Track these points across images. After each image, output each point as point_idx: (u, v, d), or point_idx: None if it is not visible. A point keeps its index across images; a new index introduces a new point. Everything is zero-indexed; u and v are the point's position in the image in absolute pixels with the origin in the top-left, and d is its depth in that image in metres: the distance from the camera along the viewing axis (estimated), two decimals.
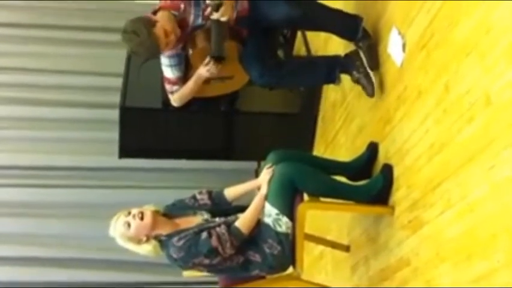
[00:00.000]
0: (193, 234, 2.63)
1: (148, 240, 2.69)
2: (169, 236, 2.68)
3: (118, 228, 2.68)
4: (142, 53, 2.87)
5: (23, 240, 5.09)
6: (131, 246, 2.71)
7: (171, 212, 2.85)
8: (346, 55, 3.10)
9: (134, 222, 2.66)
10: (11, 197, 5.15)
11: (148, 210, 2.70)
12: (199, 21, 3.02)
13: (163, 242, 2.69)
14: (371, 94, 2.97)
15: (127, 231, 2.66)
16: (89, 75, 5.38)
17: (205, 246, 2.59)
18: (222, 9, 2.82)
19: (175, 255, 2.64)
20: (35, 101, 5.31)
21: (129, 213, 2.69)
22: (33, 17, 5.46)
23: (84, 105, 5.31)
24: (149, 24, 2.83)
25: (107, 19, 5.42)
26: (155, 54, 2.94)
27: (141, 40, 2.81)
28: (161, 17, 2.89)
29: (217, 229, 2.63)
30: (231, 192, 2.92)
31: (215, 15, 2.85)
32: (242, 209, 2.76)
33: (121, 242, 2.71)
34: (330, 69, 3.14)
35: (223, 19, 2.86)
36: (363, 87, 3.00)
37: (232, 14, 2.94)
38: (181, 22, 2.97)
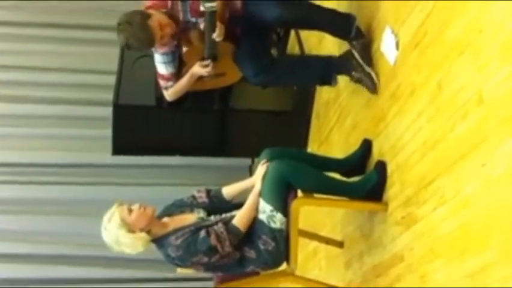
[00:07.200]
0: (191, 233, 2.64)
1: (141, 232, 2.67)
2: (166, 236, 2.68)
3: (119, 212, 2.65)
4: (134, 43, 2.86)
5: (15, 237, 5.07)
6: (122, 233, 2.63)
7: (170, 210, 2.86)
8: (340, 56, 3.11)
9: (137, 211, 2.66)
10: (3, 194, 5.14)
11: (149, 205, 2.71)
12: (189, 16, 3.03)
13: (159, 242, 2.69)
14: (373, 91, 2.98)
15: (127, 216, 2.65)
16: (83, 72, 5.38)
17: (204, 245, 2.60)
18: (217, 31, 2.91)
19: (173, 254, 2.65)
20: (28, 99, 5.30)
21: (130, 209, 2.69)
22: (25, 15, 5.45)
23: (77, 103, 5.32)
24: (144, 15, 2.86)
25: (100, 17, 5.42)
26: (149, 45, 2.93)
27: (134, 30, 2.82)
28: (156, 12, 2.92)
29: (215, 227, 2.64)
30: (229, 190, 2.93)
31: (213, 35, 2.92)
32: (239, 205, 2.78)
33: (113, 228, 2.64)
34: (325, 71, 3.16)
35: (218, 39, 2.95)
36: (365, 86, 3.01)
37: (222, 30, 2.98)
38: (171, 19, 2.98)
